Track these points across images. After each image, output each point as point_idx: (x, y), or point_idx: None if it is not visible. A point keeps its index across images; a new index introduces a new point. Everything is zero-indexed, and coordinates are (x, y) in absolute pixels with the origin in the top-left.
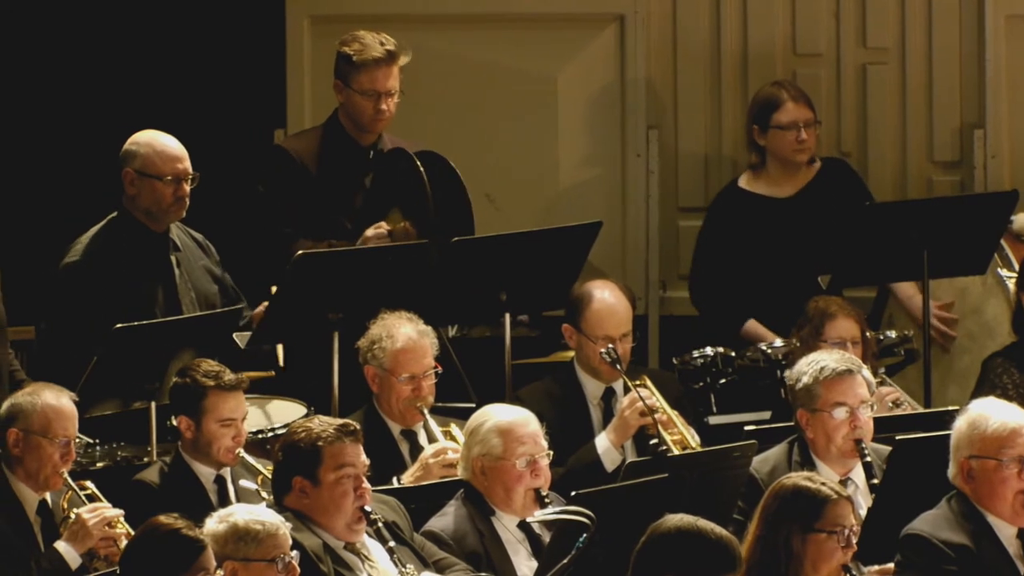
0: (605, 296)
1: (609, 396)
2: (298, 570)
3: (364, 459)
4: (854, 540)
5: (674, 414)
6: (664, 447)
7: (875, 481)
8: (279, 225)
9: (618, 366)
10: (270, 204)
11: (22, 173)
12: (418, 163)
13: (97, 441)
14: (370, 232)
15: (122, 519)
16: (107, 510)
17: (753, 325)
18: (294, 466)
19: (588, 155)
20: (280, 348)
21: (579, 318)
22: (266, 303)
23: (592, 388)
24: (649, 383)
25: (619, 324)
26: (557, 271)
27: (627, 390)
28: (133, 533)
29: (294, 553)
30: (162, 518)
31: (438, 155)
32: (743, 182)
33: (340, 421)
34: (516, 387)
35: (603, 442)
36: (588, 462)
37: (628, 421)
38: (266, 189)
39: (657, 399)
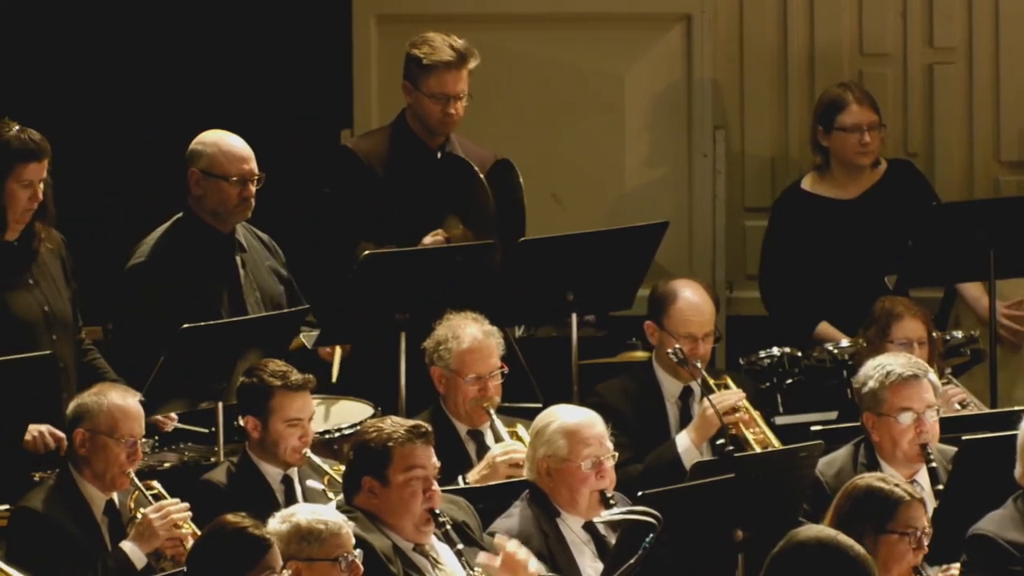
0: (690, 295)
1: (687, 395)
2: (361, 569)
3: (435, 461)
4: (925, 542)
5: (756, 414)
6: (731, 447)
7: (940, 487)
8: (344, 227)
9: (697, 363)
10: (336, 205)
11: (89, 174)
12: (480, 175)
13: (211, 429)
14: (428, 240)
15: (188, 518)
16: (174, 508)
17: (825, 327)
18: (364, 466)
19: (654, 155)
20: (336, 362)
21: (663, 316)
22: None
23: (670, 386)
24: (731, 382)
25: (703, 323)
26: (624, 271)
27: (706, 389)
28: (199, 533)
29: (357, 552)
30: (229, 517)
31: (506, 162)
32: (806, 183)
33: (412, 422)
34: (582, 388)
35: (683, 441)
36: (667, 460)
37: (710, 420)
38: (333, 190)
39: (740, 398)
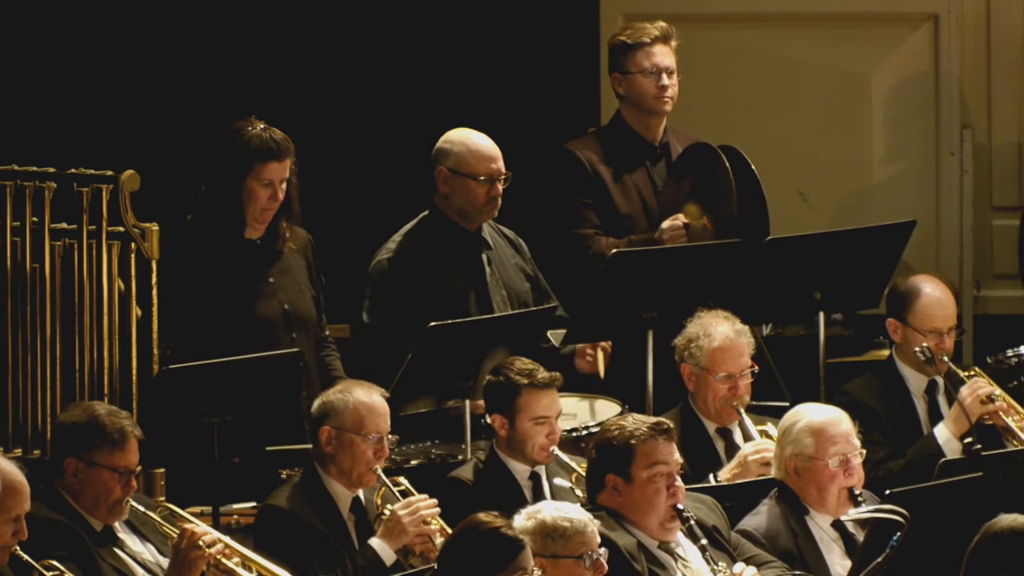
0: (933, 290)
1: (932, 389)
2: (606, 568)
3: (677, 457)
4: None
5: (1013, 401)
6: (978, 445)
7: None
8: (574, 226)
9: (944, 358)
10: (565, 206)
11: (336, 172)
12: (725, 160)
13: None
14: (666, 224)
15: (437, 515)
16: (423, 505)
17: None
18: (607, 464)
19: (901, 153)
20: (601, 366)
21: (906, 313)
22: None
23: (915, 381)
24: (982, 373)
25: (947, 318)
26: (871, 270)
27: (957, 381)
28: (448, 529)
29: (602, 550)
30: (481, 516)
31: (737, 151)
32: None
33: (653, 419)
34: (829, 386)
35: (943, 433)
36: (929, 453)
37: (969, 410)
38: (560, 191)
39: (995, 387)
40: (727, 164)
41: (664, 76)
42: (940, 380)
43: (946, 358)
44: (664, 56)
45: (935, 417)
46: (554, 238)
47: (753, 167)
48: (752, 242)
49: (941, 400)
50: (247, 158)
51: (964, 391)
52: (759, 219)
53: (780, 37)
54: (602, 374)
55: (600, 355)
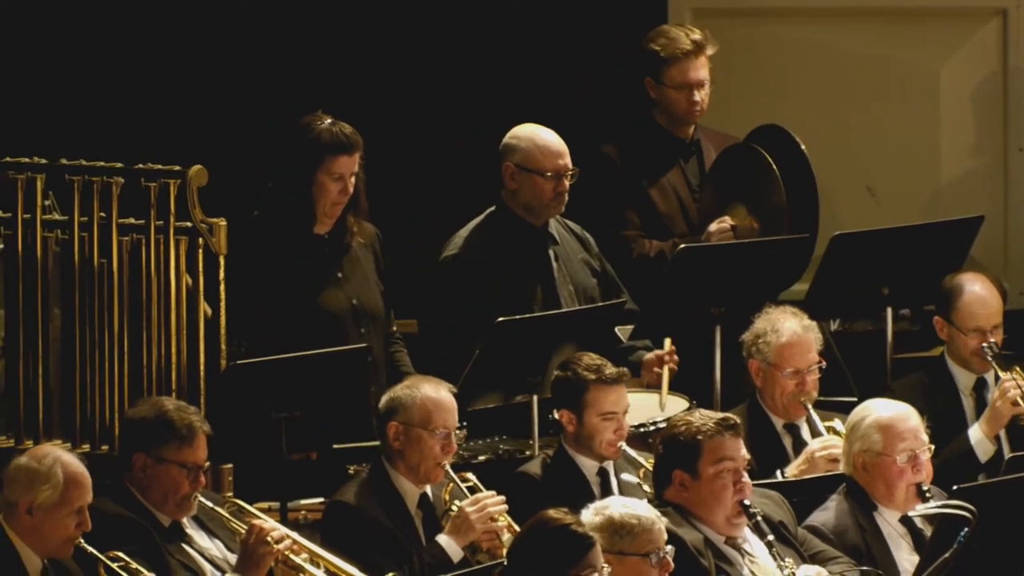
0: (976, 288)
1: (981, 387)
2: (672, 566)
3: (744, 453)
4: None
5: None
6: None
7: None
8: (618, 228)
9: (989, 357)
10: (606, 208)
11: (404, 167)
12: (764, 153)
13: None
14: (713, 227)
15: (505, 511)
16: (490, 501)
17: None
18: (674, 459)
19: (970, 149)
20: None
21: (950, 310)
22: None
23: (964, 379)
24: (1021, 373)
25: (991, 316)
26: (939, 265)
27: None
28: (515, 526)
29: (669, 548)
30: (551, 513)
31: (782, 128)
32: None
33: (720, 415)
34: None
35: (976, 433)
36: (961, 454)
37: (1000, 411)
38: (599, 193)
39: None
40: (767, 157)
41: (695, 91)
42: (990, 377)
43: (990, 356)
44: (696, 70)
45: (982, 414)
46: (601, 239)
47: (801, 144)
48: (807, 228)
49: (989, 398)
50: (318, 152)
51: (995, 392)
52: (809, 202)
53: (848, 32)
54: (664, 395)
55: (666, 372)
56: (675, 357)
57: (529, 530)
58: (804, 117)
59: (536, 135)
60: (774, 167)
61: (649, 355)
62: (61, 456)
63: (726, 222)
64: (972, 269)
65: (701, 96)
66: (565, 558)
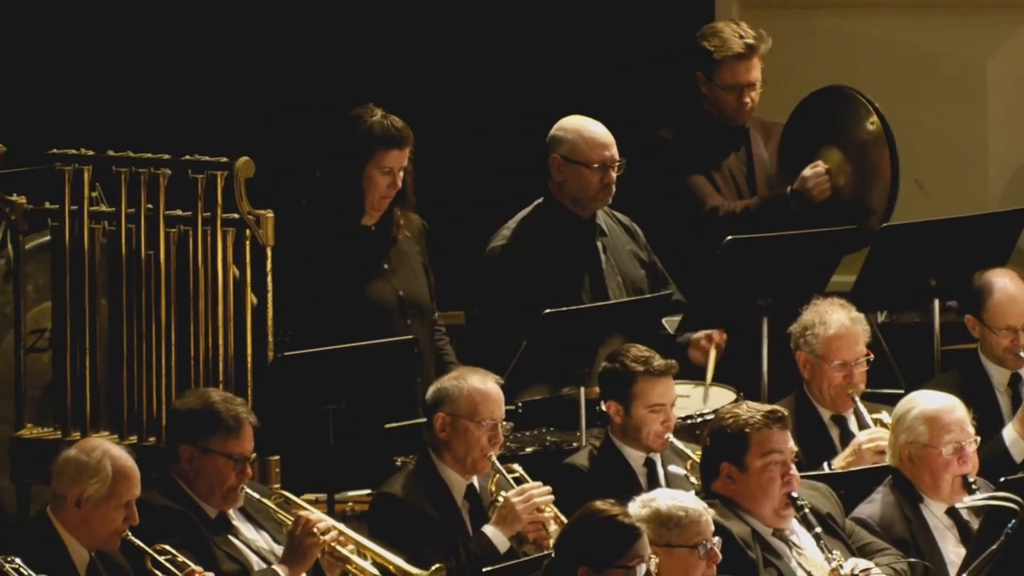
0: (1006, 285)
1: (1016, 382)
2: (719, 557)
3: (792, 445)
4: None
5: None
6: None
7: None
8: (702, 205)
9: (1021, 354)
10: (680, 194)
11: (451, 159)
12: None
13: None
14: (808, 172)
15: (551, 502)
16: (536, 492)
17: None
18: (721, 452)
19: (1017, 141)
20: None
21: (981, 308)
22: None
23: (998, 376)
24: None
25: (1021, 313)
26: (986, 257)
27: None
28: (562, 517)
29: (716, 540)
30: (599, 504)
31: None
32: None
33: (768, 407)
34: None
35: (1010, 433)
36: (997, 454)
37: None
38: (664, 182)
39: None
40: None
41: (745, 93)
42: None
43: (1023, 354)
44: (748, 72)
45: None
46: (679, 228)
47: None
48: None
49: None
50: (369, 145)
51: None
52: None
53: (895, 25)
54: (710, 373)
55: (713, 351)
56: (724, 336)
57: (576, 521)
58: None
59: (582, 127)
60: (859, 96)
61: (699, 333)
62: (110, 449)
63: (819, 167)
64: (1019, 261)
65: (751, 96)
66: (612, 549)
